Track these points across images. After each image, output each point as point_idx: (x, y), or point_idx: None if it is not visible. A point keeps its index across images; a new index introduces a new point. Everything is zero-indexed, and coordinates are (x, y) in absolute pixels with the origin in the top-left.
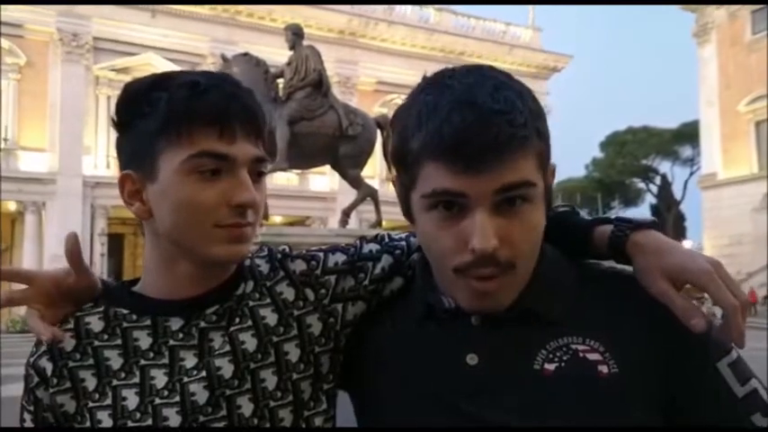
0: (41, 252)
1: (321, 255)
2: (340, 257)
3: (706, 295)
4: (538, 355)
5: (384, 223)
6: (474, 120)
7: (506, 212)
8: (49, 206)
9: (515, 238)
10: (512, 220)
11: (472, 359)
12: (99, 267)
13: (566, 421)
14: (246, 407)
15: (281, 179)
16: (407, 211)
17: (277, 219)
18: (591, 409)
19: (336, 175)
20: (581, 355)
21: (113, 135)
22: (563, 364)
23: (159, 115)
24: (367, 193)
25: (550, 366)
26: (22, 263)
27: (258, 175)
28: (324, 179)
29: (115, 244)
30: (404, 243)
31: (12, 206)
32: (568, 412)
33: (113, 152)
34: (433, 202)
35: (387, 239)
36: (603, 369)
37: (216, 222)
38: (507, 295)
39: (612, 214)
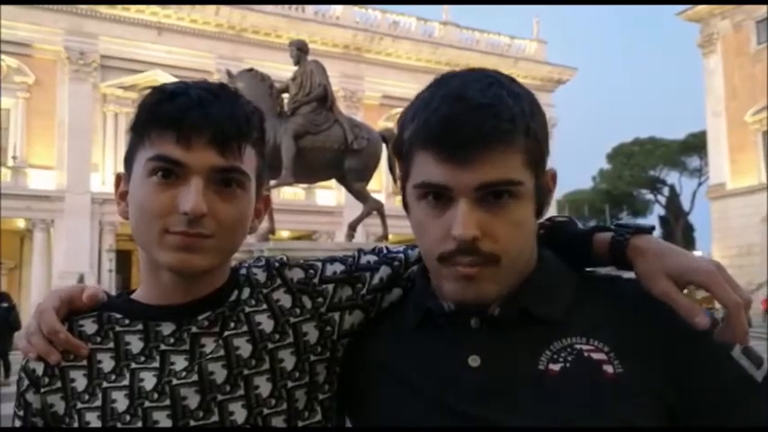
0: (50, 269)
1: (319, 264)
2: (338, 267)
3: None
4: (542, 355)
5: (390, 237)
6: (460, 111)
7: (491, 206)
8: (57, 223)
9: (498, 232)
10: (495, 214)
11: (474, 361)
12: (107, 283)
13: (571, 421)
14: (239, 413)
15: (287, 194)
16: (405, 201)
17: (284, 233)
18: (597, 408)
19: (343, 190)
20: (586, 355)
21: (121, 152)
22: (568, 365)
23: (136, 118)
24: (373, 207)
25: (555, 367)
26: (31, 280)
27: (226, 185)
28: (330, 193)
29: (123, 260)
30: (402, 255)
31: (21, 224)
32: (574, 412)
33: (121, 169)
34: (423, 192)
35: (385, 251)
36: (609, 369)
37: (165, 228)
38: (491, 286)
39: None
